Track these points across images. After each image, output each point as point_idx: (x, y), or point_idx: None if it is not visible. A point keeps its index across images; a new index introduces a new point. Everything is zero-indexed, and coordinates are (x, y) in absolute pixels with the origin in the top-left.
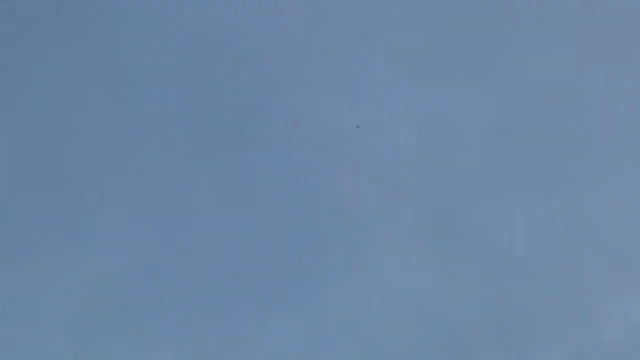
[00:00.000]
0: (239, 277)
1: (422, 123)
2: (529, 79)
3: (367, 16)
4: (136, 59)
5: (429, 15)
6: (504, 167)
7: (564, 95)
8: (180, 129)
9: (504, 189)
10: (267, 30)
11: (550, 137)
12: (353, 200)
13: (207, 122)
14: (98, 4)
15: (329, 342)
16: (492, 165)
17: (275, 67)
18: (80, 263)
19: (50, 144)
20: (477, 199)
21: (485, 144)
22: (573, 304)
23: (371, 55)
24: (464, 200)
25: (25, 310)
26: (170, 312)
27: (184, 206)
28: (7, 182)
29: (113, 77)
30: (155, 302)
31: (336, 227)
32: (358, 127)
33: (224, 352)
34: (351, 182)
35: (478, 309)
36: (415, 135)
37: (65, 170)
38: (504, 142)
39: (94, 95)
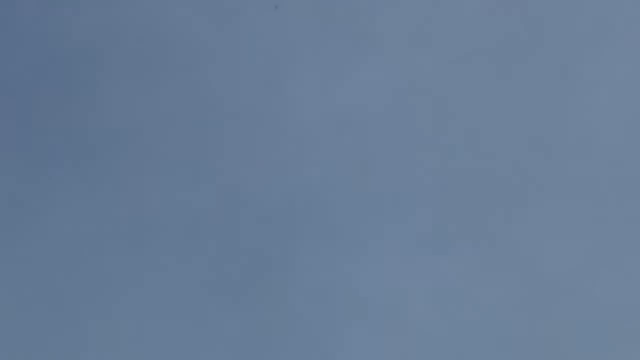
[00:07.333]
0: None
1: (428, 290)
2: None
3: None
4: (151, 215)
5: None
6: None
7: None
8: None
9: None
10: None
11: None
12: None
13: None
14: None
15: None
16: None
17: (286, 224)
18: None
19: None
20: None
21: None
22: None
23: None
24: None
25: None
26: None
27: None
28: None
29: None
30: None
31: None
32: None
33: None
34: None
35: None
36: (421, 301)
37: None
38: (517, 318)
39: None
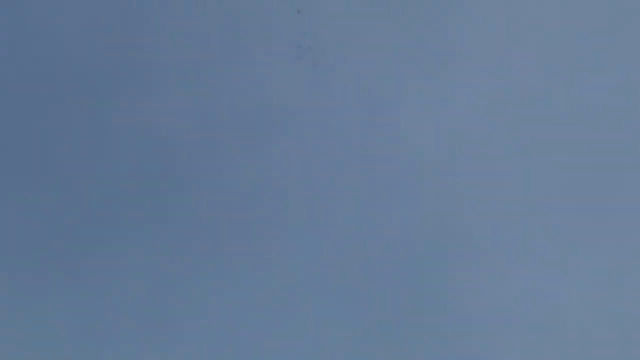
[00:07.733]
0: None
1: (581, 292)
2: None
3: None
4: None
5: None
6: None
7: None
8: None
9: None
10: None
11: None
12: None
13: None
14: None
15: None
16: None
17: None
18: None
19: None
20: None
21: None
22: None
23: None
24: None
25: None
26: None
27: None
28: None
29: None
30: None
31: None
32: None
33: None
34: None
35: None
36: (576, 305)
37: None
38: None
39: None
